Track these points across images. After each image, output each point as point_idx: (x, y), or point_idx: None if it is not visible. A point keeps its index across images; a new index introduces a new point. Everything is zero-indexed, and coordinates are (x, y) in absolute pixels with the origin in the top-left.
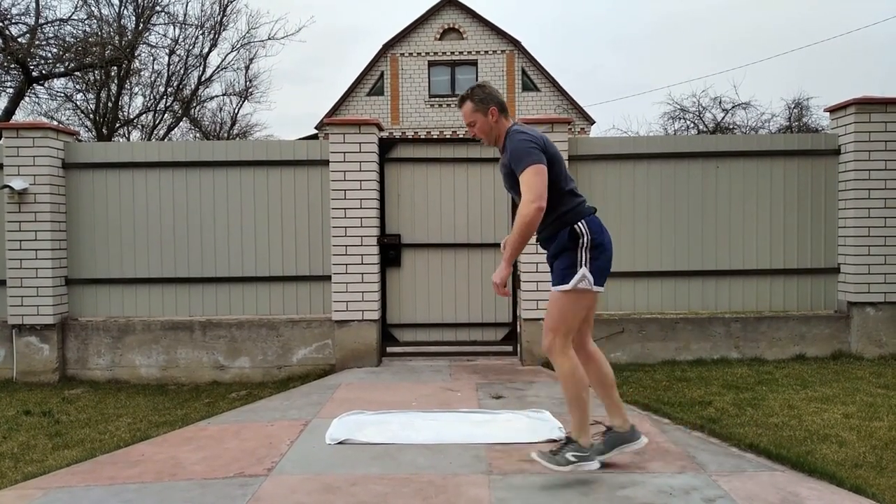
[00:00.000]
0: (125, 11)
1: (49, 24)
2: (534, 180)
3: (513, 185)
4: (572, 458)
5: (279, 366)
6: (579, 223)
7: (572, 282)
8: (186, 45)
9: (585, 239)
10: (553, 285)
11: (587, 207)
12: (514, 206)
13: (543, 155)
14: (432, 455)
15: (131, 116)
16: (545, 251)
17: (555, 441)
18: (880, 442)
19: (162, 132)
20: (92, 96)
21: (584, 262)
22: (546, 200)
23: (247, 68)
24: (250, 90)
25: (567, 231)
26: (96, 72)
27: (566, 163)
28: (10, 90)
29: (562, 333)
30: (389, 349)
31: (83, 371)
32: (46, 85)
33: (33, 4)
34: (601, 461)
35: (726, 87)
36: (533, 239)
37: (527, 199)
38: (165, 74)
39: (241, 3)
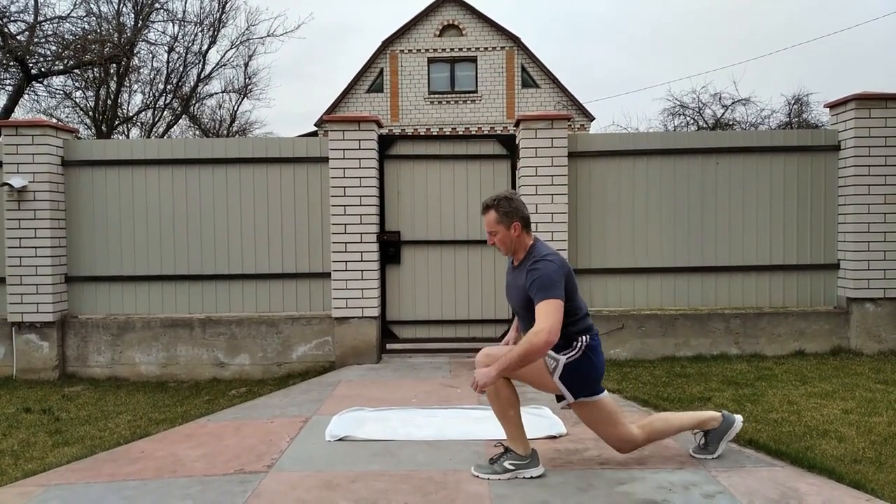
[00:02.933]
0: (124, 9)
1: (48, 22)
2: (552, 312)
3: (519, 299)
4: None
5: (279, 363)
6: (583, 337)
7: (555, 376)
8: (185, 43)
9: (577, 347)
10: (573, 401)
11: (594, 328)
12: None
13: (563, 285)
14: (432, 451)
15: (130, 114)
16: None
17: (554, 437)
18: (879, 437)
19: (161, 129)
20: (91, 94)
21: (555, 375)
22: (558, 335)
23: (246, 65)
24: (249, 87)
25: (568, 341)
26: (95, 69)
27: (565, 161)
28: (10, 88)
29: (619, 429)
30: (389, 346)
31: (83, 368)
32: (45, 82)
33: (32, 2)
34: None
35: (726, 84)
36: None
37: (542, 327)
38: (164, 72)
39: None
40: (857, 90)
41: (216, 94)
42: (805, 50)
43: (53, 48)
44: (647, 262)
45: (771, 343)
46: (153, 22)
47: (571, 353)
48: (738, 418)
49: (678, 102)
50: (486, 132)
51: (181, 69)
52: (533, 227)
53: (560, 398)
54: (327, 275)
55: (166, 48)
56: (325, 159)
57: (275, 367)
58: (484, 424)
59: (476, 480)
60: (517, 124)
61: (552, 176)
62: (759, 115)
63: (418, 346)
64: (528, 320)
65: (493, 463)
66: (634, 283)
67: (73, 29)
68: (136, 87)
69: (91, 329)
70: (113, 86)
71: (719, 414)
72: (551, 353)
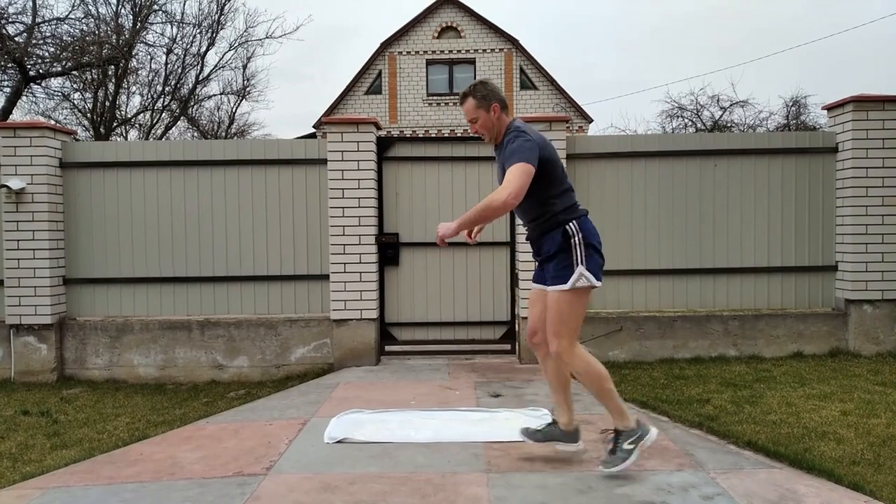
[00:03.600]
0: (122, 10)
1: (46, 23)
2: (517, 177)
3: (502, 178)
4: (629, 446)
5: (278, 365)
6: (571, 223)
7: (570, 281)
8: (184, 44)
9: (578, 238)
10: (548, 286)
11: (580, 208)
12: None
13: (537, 156)
14: (431, 453)
15: (129, 115)
16: (535, 252)
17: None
18: (878, 439)
19: (160, 131)
20: (89, 95)
21: (580, 261)
22: (519, 200)
23: (244, 67)
24: (248, 89)
25: (559, 231)
26: (94, 71)
27: (563, 163)
28: (8, 89)
29: (567, 335)
30: (388, 348)
31: (81, 371)
32: (44, 84)
33: (30, 3)
34: (531, 441)
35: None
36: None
37: (504, 189)
38: (163, 73)
39: (239, 1)
40: (854, 92)
41: (215, 95)
42: (803, 52)
43: (52, 50)
44: (645, 263)
45: (769, 345)
46: (151, 24)
47: (576, 240)
48: (653, 432)
49: (676, 104)
50: None
51: (179, 71)
52: None
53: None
54: (326, 277)
55: (165, 50)
56: (324, 161)
57: (273, 369)
58: (482, 426)
59: (475, 482)
60: None
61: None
62: (757, 118)
63: (417, 347)
64: None
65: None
66: (633, 284)
67: (72, 30)
68: (134, 88)
69: (89, 331)
70: (111, 87)
71: (635, 420)
72: (572, 272)
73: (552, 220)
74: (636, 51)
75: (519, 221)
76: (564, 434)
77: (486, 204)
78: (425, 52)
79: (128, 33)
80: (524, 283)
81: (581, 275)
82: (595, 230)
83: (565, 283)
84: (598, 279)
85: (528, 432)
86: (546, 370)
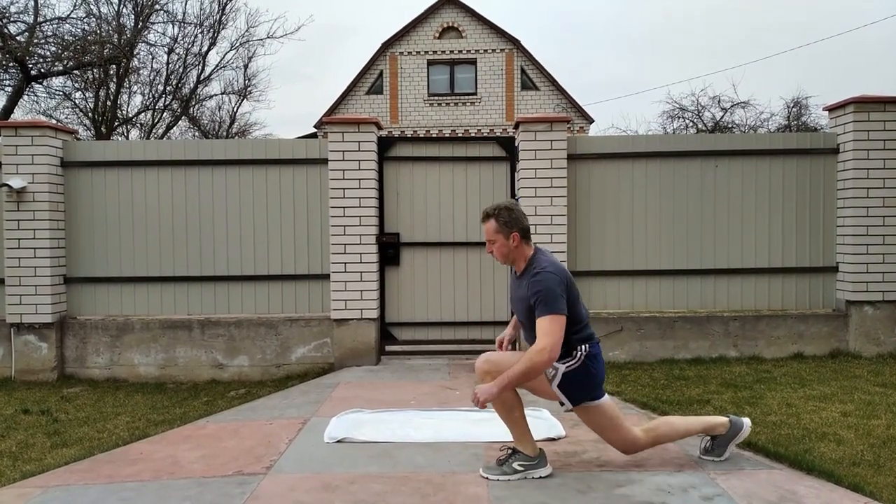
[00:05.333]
0: (124, 10)
1: (48, 23)
2: (553, 330)
3: (523, 310)
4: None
5: (278, 364)
6: (582, 346)
7: (554, 385)
8: (185, 44)
9: (577, 357)
10: (572, 407)
11: (594, 336)
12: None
13: (566, 300)
14: (431, 453)
15: (130, 115)
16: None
17: (553, 440)
18: (878, 440)
19: (161, 131)
20: (91, 95)
21: (565, 366)
22: (558, 353)
23: (246, 67)
24: (249, 89)
25: (568, 350)
26: (95, 70)
27: (565, 163)
28: (9, 89)
29: (620, 434)
30: (388, 348)
31: (82, 370)
32: (45, 83)
33: (32, 3)
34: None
35: (725, 86)
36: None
37: (542, 345)
38: (164, 73)
39: (241, 1)
40: (855, 93)
41: (216, 95)
42: (804, 53)
43: (53, 49)
44: (645, 264)
45: (770, 346)
46: (153, 23)
47: (571, 362)
48: (747, 422)
49: (677, 105)
50: (485, 134)
51: (181, 70)
52: (532, 229)
53: (562, 403)
54: (326, 276)
55: (166, 49)
56: (325, 161)
57: (274, 368)
58: (483, 426)
59: (475, 482)
60: (516, 126)
61: (551, 178)
62: (758, 118)
63: (417, 347)
64: (530, 328)
65: (501, 464)
66: (633, 285)
67: (73, 30)
68: (135, 88)
69: (90, 330)
70: (112, 87)
71: (727, 419)
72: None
73: (567, 345)
74: (637, 51)
75: None
76: (531, 460)
77: (528, 364)
78: (426, 52)
79: (129, 33)
80: None
81: (555, 369)
82: (602, 362)
83: (570, 402)
84: (586, 401)
85: (489, 469)
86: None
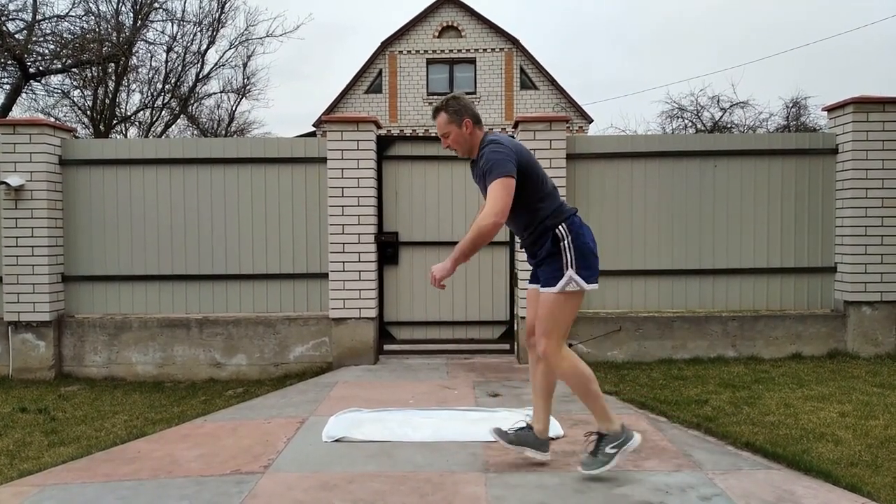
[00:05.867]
0: (123, 8)
1: (46, 21)
2: (500, 194)
3: (485, 192)
4: (611, 450)
5: (276, 363)
6: (560, 226)
7: (560, 284)
8: (184, 42)
9: (567, 241)
10: (541, 287)
11: (567, 209)
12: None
13: (515, 165)
14: (429, 453)
15: (129, 113)
16: (529, 256)
17: (552, 439)
18: (876, 440)
19: (159, 129)
20: (89, 93)
21: (569, 265)
22: (506, 216)
23: (244, 65)
24: (248, 87)
25: (549, 236)
26: (94, 68)
27: (564, 162)
28: (7, 86)
29: (556, 336)
30: (387, 347)
31: (79, 368)
32: (44, 81)
33: (31, 1)
34: (502, 442)
35: (724, 86)
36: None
37: (488, 211)
38: (163, 71)
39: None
40: (855, 94)
41: (214, 93)
42: (803, 53)
43: (52, 47)
44: (644, 264)
45: (768, 346)
46: (152, 21)
47: (565, 243)
48: (637, 437)
49: (676, 105)
50: None
51: (180, 69)
52: None
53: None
54: (325, 275)
55: (165, 48)
56: (324, 160)
57: (272, 367)
58: (481, 426)
59: (474, 481)
60: (516, 126)
61: (551, 178)
62: (757, 119)
63: (416, 347)
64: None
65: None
66: (632, 284)
67: (72, 28)
68: (134, 86)
69: (88, 329)
70: (111, 85)
71: (620, 424)
72: (562, 275)
73: (541, 225)
74: (636, 51)
75: None
76: (537, 441)
77: (475, 231)
78: (426, 51)
79: (128, 31)
80: (523, 283)
81: (571, 279)
82: (585, 229)
83: (554, 286)
84: (591, 282)
85: (499, 432)
86: (534, 372)
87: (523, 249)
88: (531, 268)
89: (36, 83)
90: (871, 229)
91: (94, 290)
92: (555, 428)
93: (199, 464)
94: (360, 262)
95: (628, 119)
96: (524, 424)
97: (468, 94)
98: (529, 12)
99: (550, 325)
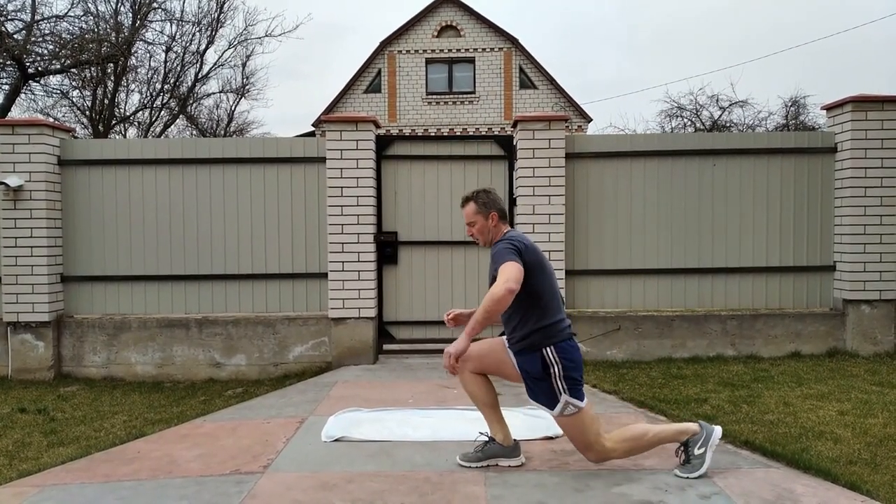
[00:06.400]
0: (122, 8)
1: (45, 21)
2: (507, 269)
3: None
4: (699, 451)
5: (276, 363)
6: (549, 349)
7: (558, 409)
8: (183, 42)
9: (556, 370)
10: (542, 405)
11: (564, 332)
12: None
13: (520, 256)
14: (428, 452)
15: (128, 113)
16: (508, 340)
17: (551, 438)
18: (875, 439)
19: (158, 129)
20: (88, 93)
21: (562, 391)
22: (519, 285)
23: (243, 65)
24: (247, 87)
25: (537, 356)
26: (92, 69)
27: (562, 170)
28: (6, 87)
29: (595, 440)
30: (386, 346)
31: (79, 368)
32: (42, 82)
33: (29, 1)
34: (472, 465)
35: (723, 86)
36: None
37: (500, 280)
38: (162, 71)
39: None
40: (854, 92)
41: (213, 93)
42: (802, 52)
43: (50, 47)
44: (643, 263)
45: (767, 345)
46: (151, 21)
47: (555, 366)
48: (718, 429)
49: (675, 104)
50: (483, 133)
51: (179, 69)
52: (530, 227)
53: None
54: (324, 275)
55: (164, 48)
56: (323, 159)
57: (271, 367)
58: (481, 425)
59: (473, 481)
60: (515, 125)
61: (549, 177)
62: (756, 117)
63: (415, 346)
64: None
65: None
66: (631, 284)
67: (71, 28)
68: (133, 86)
69: (87, 329)
70: (110, 85)
71: (697, 425)
72: (558, 401)
73: (528, 338)
74: (636, 50)
75: (517, 221)
76: (504, 450)
77: (489, 299)
78: (425, 50)
79: (127, 31)
80: None
81: (567, 403)
82: (577, 356)
83: (554, 409)
84: (582, 400)
85: (465, 457)
86: (472, 388)
87: (510, 346)
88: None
89: (35, 83)
90: (870, 228)
91: (93, 290)
92: (554, 427)
93: (198, 464)
94: (359, 261)
95: (627, 118)
96: (486, 439)
97: (467, 93)
98: (528, 12)
99: (581, 438)
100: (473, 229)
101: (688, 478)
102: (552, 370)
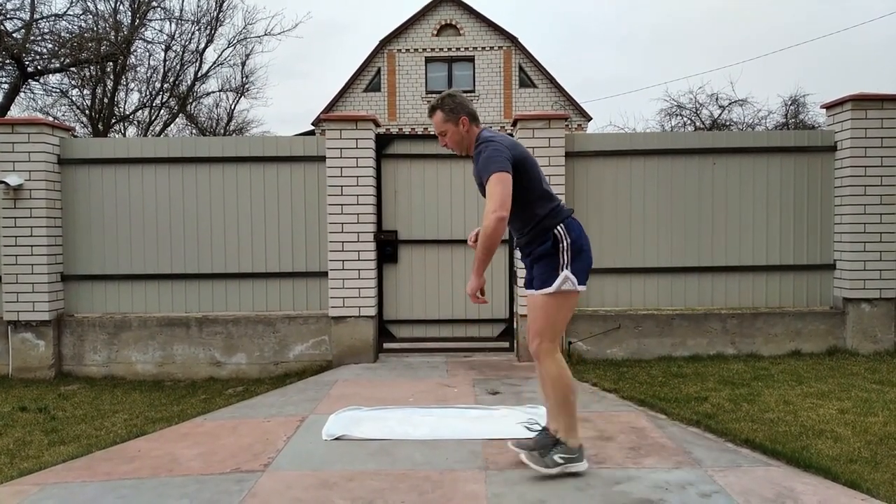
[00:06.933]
0: (121, 7)
1: (44, 20)
2: (496, 189)
3: (482, 190)
4: (560, 460)
5: (276, 362)
6: (558, 227)
7: (555, 284)
8: (182, 41)
9: (566, 243)
10: (535, 289)
11: (565, 210)
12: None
13: (509, 161)
14: (429, 451)
15: (127, 112)
16: (523, 254)
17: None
18: (875, 437)
19: (158, 128)
20: (87, 92)
21: (565, 265)
22: (508, 210)
23: (243, 64)
24: (246, 86)
25: (549, 236)
26: (92, 67)
27: (562, 160)
28: (5, 86)
29: (549, 337)
30: (386, 345)
31: (79, 367)
32: (42, 80)
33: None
34: (524, 458)
35: (723, 84)
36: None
37: (488, 209)
38: (161, 70)
39: None
40: (853, 91)
41: (213, 92)
42: (802, 51)
43: (50, 46)
44: (643, 261)
45: (767, 343)
46: (150, 20)
47: (563, 246)
48: (584, 465)
49: (675, 103)
50: None
51: (178, 68)
52: None
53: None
54: (324, 274)
55: (163, 46)
56: (323, 158)
57: (272, 366)
58: (481, 424)
59: (473, 479)
60: (514, 124)
61: (549, 176)
62: (755, 116)
63: (415, 345)
64: None
65: (543, 456)
66: (631, 282)
67: (70, 27)
68: (132, 85)
69: (87, 328)
70: (109, 84)
71: (579, 442)
72: (557, 275)
73: (539, 225)
74: (635, 49)
75: None
76: (573, 452)
77: (483, 235)
78: (424, 49)
79: (126, 30)
80: (522, 282)
81: (566, 278)
82: (581, 229)
83: (550, 286)
84: (583, 283)
85: (526, 445)
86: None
87: (517, 248)
88: (529, 273)
89: (34, 82)
90: (870, 226)
91: (93, 289)
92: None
93: (199, 462)
94: (359, 260)
95: (627, 117)
96: (541, 427)
97: (467, 92)
98: (528, 10)
99: (544, 324)
100: (446, 139)
101: (531, 467)
102: (562, 244)
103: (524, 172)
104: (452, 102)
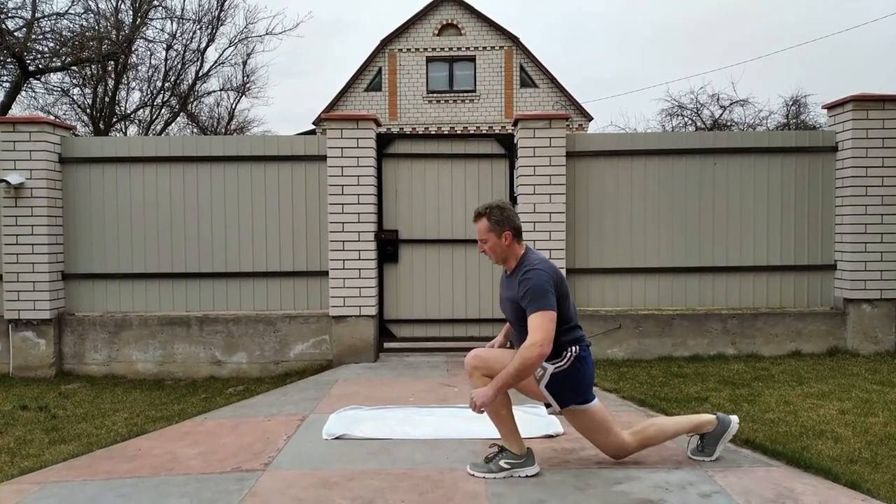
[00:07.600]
0: (122, 6)
1: (46, 18)
2: (543, 324)
3: (512, 310)
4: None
5: (276, 361)
6: (573, 347)
7: (541, 384)
8: (184, 40)
9: (566, 357)
10: (559, 410)
11: (585, 340)
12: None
13: (553, 295)
14: (429, 450)
15: (128, 111)
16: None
17: (551, 437)
18: (875, 438)
19: (159, 127)
20: (89, 91)
21: (553, 366)
22: (550, 347)
23: (244, 63)
24: (247, 85)
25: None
26: (93, 66)
27: (563, 160)
28: (7, 84)
29: (612, 439)
30: (387, 345)
31: (80, 366)
32: (43, 79)
33: None
34: (468, 469)
35: (724, 85)
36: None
37: (533, 341)
38: (163, 69)
39: None
40: (855, 92)
41: (214, 91)
42: (803, 51)
43: (51, 45)
44: (644, 262)
45: (768, 343)
46: (151, 19)
47: (560, 363)
48: (734, 419)
49: (676, 103)
50: (484, 131)
51: (179, 67)
52: (531, 226)
53: (548, 405)
54: (325, 273)
55: (164, 46)
56: (324, 158)
57: (272, 365)
58: (481, 423)
59: (473, 479)
60: (515, 124)
61: (550, 175)
62: (757, 116)
63: (416, 345)
64: (520, 330)
65: (488, 462)
66: (632, 282)
67: (71, 26)
68: (133, 84)
69: (88, 326)
70: (111, 83)
71: (714, 417)
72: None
73: (555, 347)
74: (636, 49)
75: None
76: (518, 459)
77: (520, 363)
78: (425, 49)
79: (127, 29)
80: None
81: (544, 369)
82: (591, 365)
83: (558, 405)
84: (574, 404)
85: (476, 467)
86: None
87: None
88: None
89: (35, 81)
90: (871, 227)
91: (94, 287)
92: (554, 426)
93: (199, 461)
94: (360, 259)
95: (628, 117)
96: (497, 449)
97: (468, 91)
98: (529, 10)
99: (596, 436)
100: (485, 246)
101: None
102: (565, 352)
103: (562, 304)
104: (500, 215)
